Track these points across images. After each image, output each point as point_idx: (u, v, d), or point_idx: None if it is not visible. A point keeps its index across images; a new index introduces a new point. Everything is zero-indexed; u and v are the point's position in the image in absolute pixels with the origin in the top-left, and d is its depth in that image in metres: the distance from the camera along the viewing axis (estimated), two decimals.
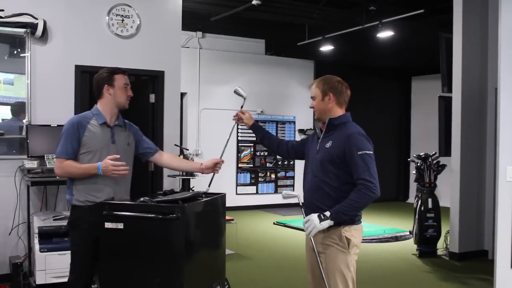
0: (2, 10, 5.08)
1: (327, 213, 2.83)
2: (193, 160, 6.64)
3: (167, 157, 3.69)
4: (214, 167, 3.56)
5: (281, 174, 11.11)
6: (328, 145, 2.96)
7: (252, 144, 10.68)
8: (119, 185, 3.33)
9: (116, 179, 3.27)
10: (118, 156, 3.19)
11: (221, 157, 3.60)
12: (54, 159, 3.34)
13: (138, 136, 3.54)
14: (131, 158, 3.45)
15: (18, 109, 5.36)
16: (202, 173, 3.63)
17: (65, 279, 4.49)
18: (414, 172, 6.92)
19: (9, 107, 5.46)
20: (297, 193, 3.17)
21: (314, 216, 2.84)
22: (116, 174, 3.16)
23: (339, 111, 3.03)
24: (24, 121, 5.25)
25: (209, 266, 3.35)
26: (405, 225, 8.22)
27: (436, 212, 6.65)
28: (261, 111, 10.73)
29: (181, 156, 6.38)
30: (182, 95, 8.98)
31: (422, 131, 11.91)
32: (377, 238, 7.73)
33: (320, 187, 2.95)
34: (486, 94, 6.57)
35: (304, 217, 2.93)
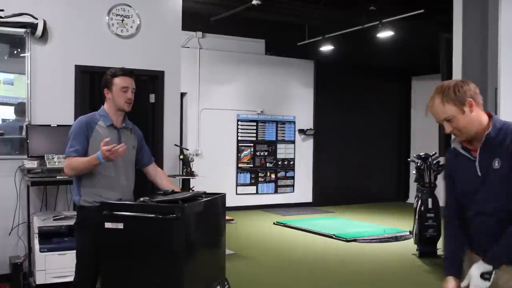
0: (2, 10, 5.07)
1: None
2: (192, 161, 6.65)
3: (158, 172, 3.69)
4: None
5: (281, 174, 11.10)
6: (496, 165, 2.24)
7: (252, 144, 10.68)
8: (127, 186, 3.40)
9: (123, 182, 3.33)
10: (108, 138, 3.18)
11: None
12: (64, 158, 3.37)
13: (141, 144, 3.60)
14: (134, 160, 3.52)
15: (22, 109, 5.36)
16: None
17: (65, 279, 4.53)
18: (414, 172, 6.91)
19: (10, 107, 5.46)
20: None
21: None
22: (115, 155, 3.15)
23: (481, 115, 2.28)
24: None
25: (209, 266, 3.35)
26: (405, 225, 8.22)
27: (436, 212, 6.65)
28: (261, 111, 10.73)
29: (181, 156, 6.38)
30: (182, 95, 8.97)
31: (422, 131, 11.91)
32: (377, 238, 7.73)
33: (509, 218, 2.24)
34: (486, 94, 6.55)
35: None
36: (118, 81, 3.37)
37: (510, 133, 2.24)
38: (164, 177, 3.73)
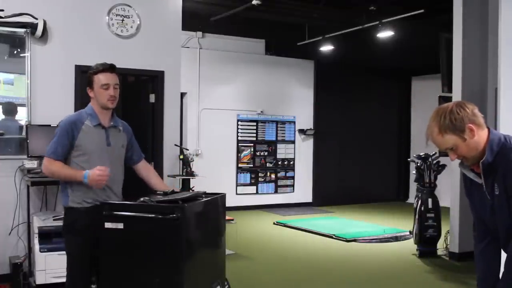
0: (2, 10, 5.08)
1: None
2: (192, 161, 6.65)
3: (149, 170, 3.62)
4: None
5: (281, 174, 11.10)
6: (496, 191, 2.16)
7: (252, 144, 10.68)
8: (115, 185, 3.33)
9: (111, 182, 3.24)
10: (108, 168, 3.13)
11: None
12: (44, 157, 3.24)
13: (131, 141, 3.50)
14: (123, 159, 3.44)
15: (10, 108, 5.36)
16: None
17: (65, 279, 4.52)
18: (414, 172, 6.92)
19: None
20: None
21: None
22: (99, 184, 3.12)
23: (483, 136, 2.16)
24: (23, 119, 5.26)
25: (209, 266, 3.35)
26: (405, 225, 8.22)
27: (436, 212, 6.65)
28: (261, 111, 10.73)
29: (181, 156, 6.38)
30: (182, 95, 8.98)
31: (422, 131, 11.83)
32: (377, 238, 7.73)
33: None
34: (486, 94, 6.56)
35: None
36: (98, 79, 3.25)
37: (504, 161, 2.11)
38: (155, 175, 3.63)
